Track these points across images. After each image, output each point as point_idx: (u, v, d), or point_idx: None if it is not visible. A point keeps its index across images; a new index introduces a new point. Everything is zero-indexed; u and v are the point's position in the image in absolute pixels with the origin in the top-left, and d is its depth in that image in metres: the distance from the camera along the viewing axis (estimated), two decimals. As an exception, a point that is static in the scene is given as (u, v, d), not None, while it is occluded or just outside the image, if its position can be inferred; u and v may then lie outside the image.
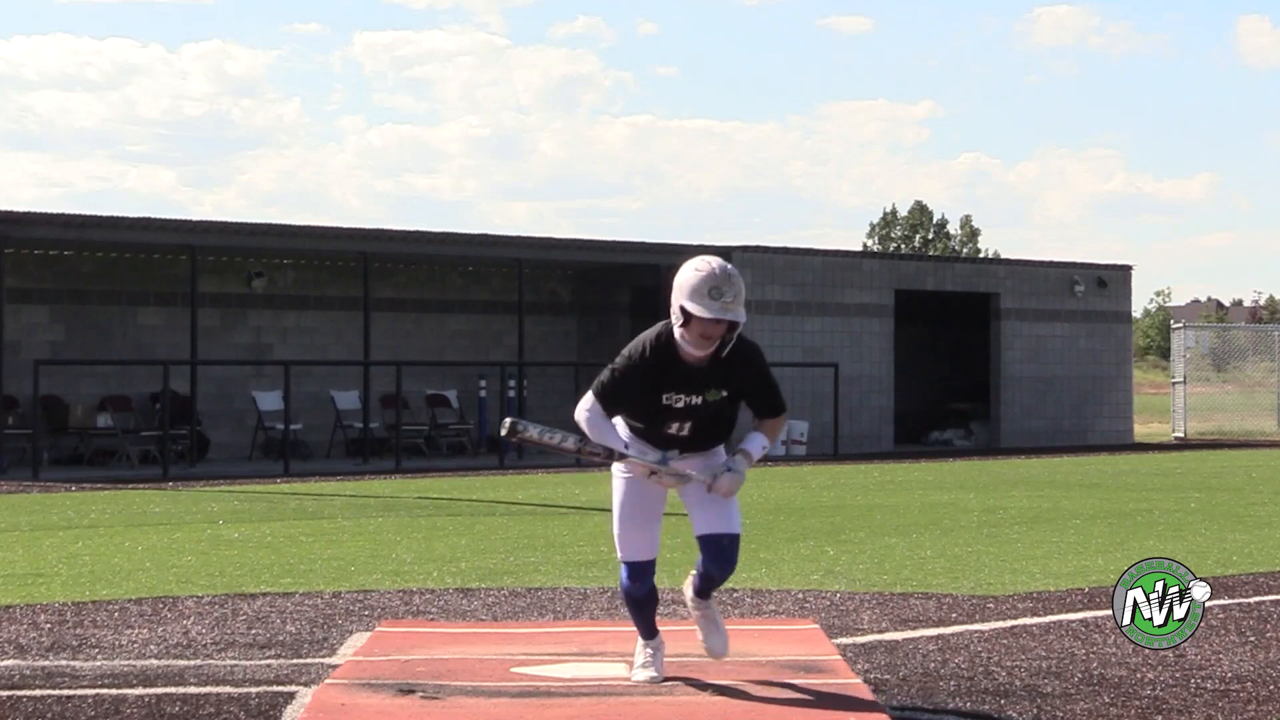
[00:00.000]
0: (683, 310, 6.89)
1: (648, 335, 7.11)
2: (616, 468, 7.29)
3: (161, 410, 24.93)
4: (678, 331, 6.96)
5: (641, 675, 7.27)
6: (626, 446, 7.16)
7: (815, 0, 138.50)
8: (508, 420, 7.12)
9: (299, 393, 27.21)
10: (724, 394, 7.10)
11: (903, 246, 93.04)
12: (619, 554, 7.35)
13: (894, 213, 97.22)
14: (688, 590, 7.47)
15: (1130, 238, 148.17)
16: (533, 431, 7.16)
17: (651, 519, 7.37)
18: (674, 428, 7.15)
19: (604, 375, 7.11)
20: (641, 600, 7.33)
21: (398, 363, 26.81)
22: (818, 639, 8.38)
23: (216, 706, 6.80)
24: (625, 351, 7.12)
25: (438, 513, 16.66)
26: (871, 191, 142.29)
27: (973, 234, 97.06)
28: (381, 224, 62.62)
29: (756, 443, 7.22)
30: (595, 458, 7.19)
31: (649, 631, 7.38)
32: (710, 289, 6.87)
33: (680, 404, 7.09)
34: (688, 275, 6.98)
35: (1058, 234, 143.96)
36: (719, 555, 7.27)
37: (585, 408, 7.06)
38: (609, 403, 7.09)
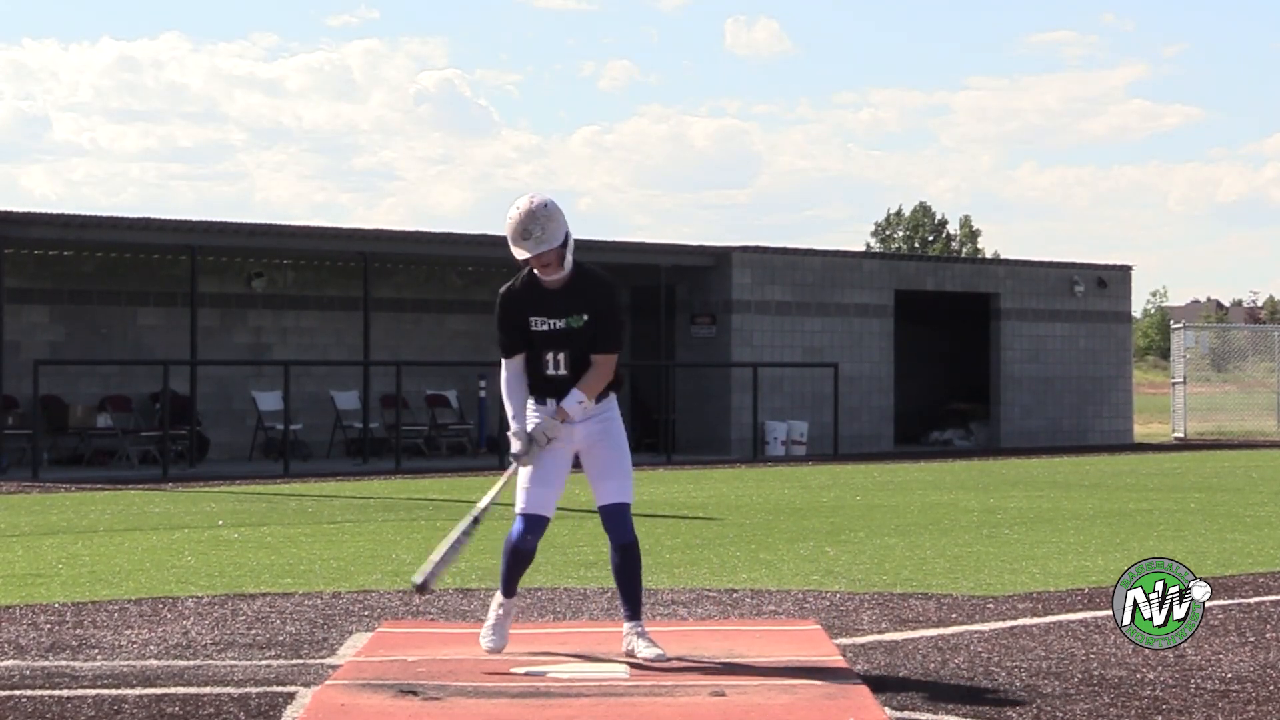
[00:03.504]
0: (520, 260, 7.77)
1: (515, 278, 7.97)
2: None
3: (161, 410, 24.93)
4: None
5: (487, 642, 7.98)
6: (515, 417, 7.85)
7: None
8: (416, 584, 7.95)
9: (299, 393, 27.21)
10: (585, 318, 7.79)
11: (903, 247, 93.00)
12: (518, 507, 7.91)
13: (899, 213, 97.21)
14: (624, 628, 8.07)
15: (1130, 235, 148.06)
16: (439, 569, 7.92)
17: (556, 481, 7.95)
18: (551, 361, 7.80)
19: (495, 324, 7.96)
20: (522, 556, 7.96)
21: (398, 363, 26.81)
22: (819, 639, 8.37)
23: (216, 706, 6.80)
24: (498, 294, 7.97)
25: (437, 513, 16.66)
26: (876, 190, 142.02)
27: (972, 234, 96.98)
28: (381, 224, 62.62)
29: (572, 398, 7.78)
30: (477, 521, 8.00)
31: (511, 589, 8.04)
32: (519, 233, 7.67)
33: (546, 327, 7.80)
34: (506, 224, 7.73)
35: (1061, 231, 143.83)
36: (611, 522, 7.99)
37: (502, 372, 7.91)
38: (507, 343, 7.87)
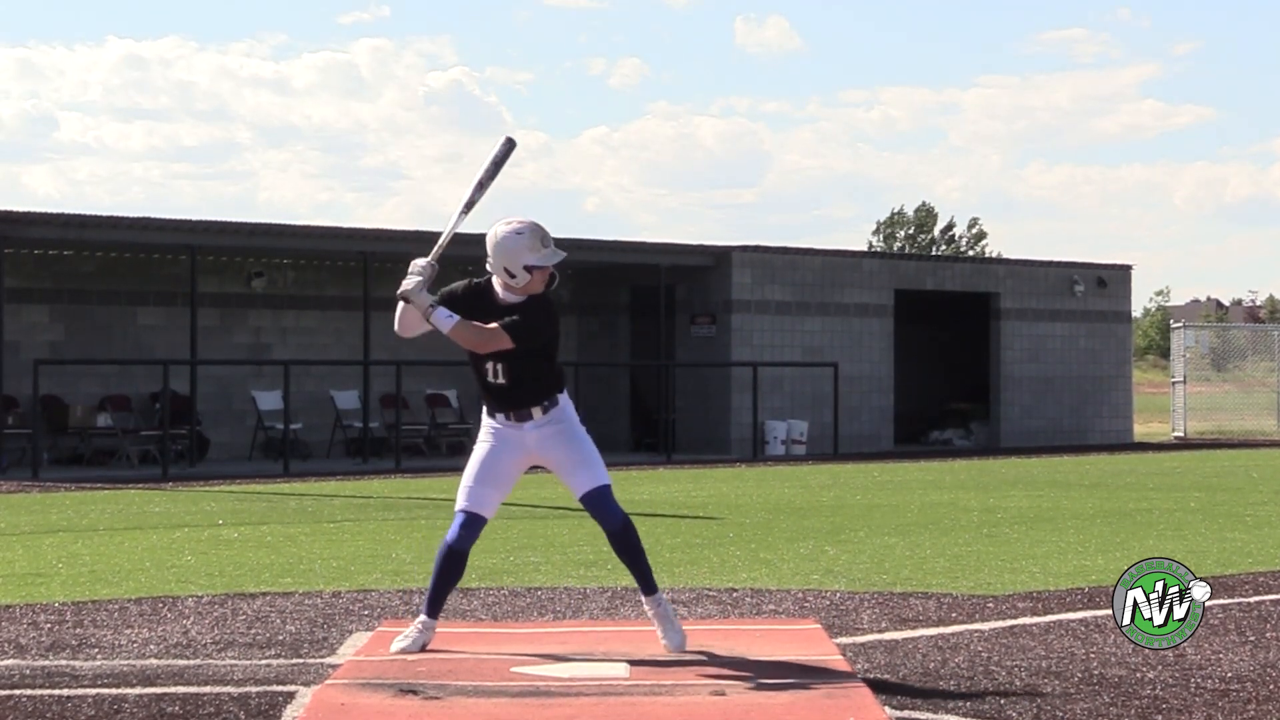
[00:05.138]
0: (527, 269, 7.77)
1: (470, 280, 7.99)
2: (483, 434, 7.98)
3: (161, 410, 24.94)
4: (506, 284, 7.83)
5: (398, 645, 7.90)
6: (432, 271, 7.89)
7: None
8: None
9: (299, 393, 27.22)
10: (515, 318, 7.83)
11: (907, 247, 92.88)
12: (458, 504, 7.92)
13: (901, 213, 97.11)
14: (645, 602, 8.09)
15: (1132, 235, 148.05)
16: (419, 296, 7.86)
17: (501, 483, 7.98)
18: (490, 370, 7.88)
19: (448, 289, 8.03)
20: (455, 561, 7.92)
21: (398, 362, 26.81)
22: (819, 639, 8.38)
23: (216, 706, 6.80)
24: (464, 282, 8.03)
25: (437, 513, 16.66)
26: (885, 189, 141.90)
27: (979, 236, 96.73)
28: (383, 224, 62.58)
29: (443, 313, 7.79)
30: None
31: (436, 607, 7.98)
32: (542, 239, 7.80)
33: None
34: (514, 238, 7.79)
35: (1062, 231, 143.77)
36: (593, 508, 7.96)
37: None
38: (444, 307, 7.84)
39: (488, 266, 7.90)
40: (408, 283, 7.79)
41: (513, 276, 7.81)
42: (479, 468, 7.94)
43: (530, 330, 7.81)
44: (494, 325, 7.76)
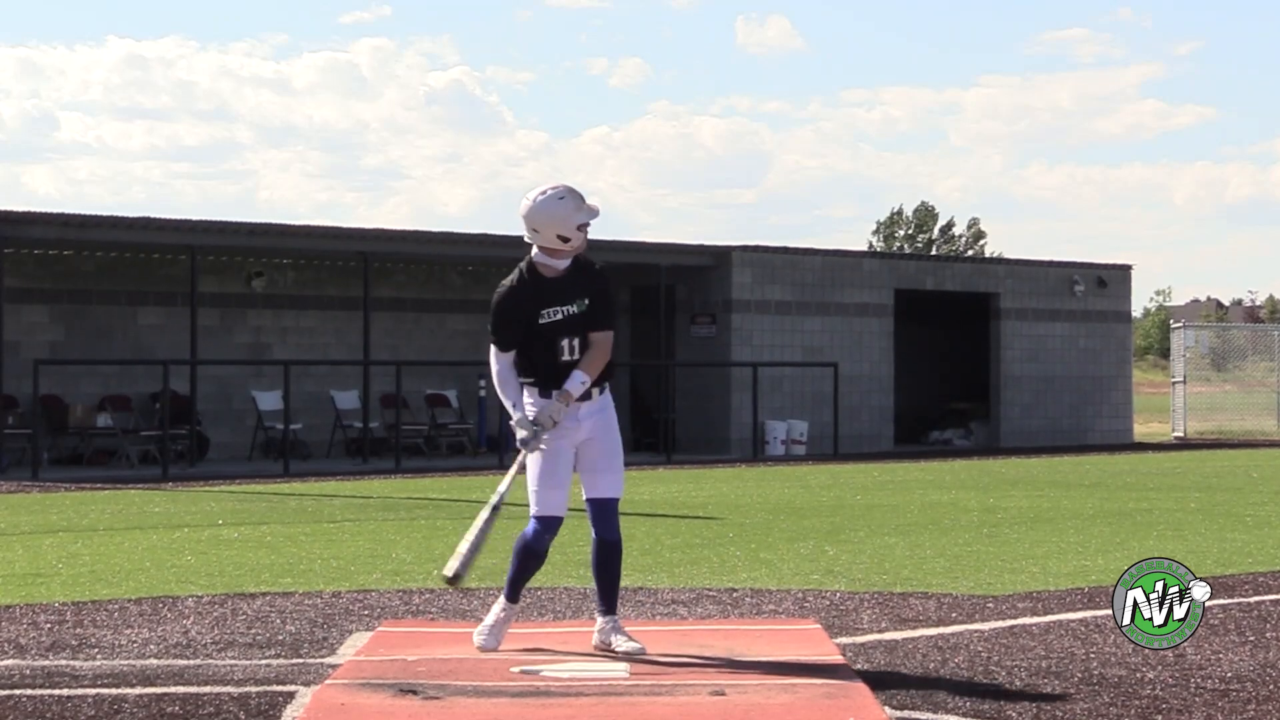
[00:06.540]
0: (579, 228, 7.77)
1: (513, 275, 7.92)
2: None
3: (161, 410, 24.93)
4: (545, 254, 7.82)
5: (481, 639, 7.98)
6: (515, 406, 7.85)
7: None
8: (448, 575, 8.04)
9: (299, 392, 27.21)
10: (586, 302, 7.86)
11: (906, 246, 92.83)
12: (532, 510, 7.91)
13: (900, 213, 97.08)
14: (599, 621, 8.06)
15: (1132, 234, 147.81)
16: (470, 560, 8.01)
17: (564, 479, 7.93)
18: (566, 348, 7.83)
19: (491, 320, 7.93)
20: (537, 557, 8.01)
21: (398, 363, 26.81)
22: (819, 639, 8.38)
23: (216, 706, 6.80)
24: (498, 292, 7.92)
25: (437, 513, 16.67)
26: (886, 189, 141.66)
27: (978, 236, 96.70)
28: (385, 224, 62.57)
29: (575, 380, 7.81)
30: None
31: (516, 594, 8.11)
32: (578, 198, 7.77)
33: (560, 315, 7.82)
34: (559, 202, 7.76)
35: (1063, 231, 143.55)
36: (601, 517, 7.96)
37: (494, 366, 7.88)
38: (508, 339, 7.86)
39: (531, 239, 7.84)
40: (525, 434, 7.77)
41: (566, 240, 7.79)
42: (542, 471, 7.87)
43: (614, 308, 7.98)
44: (599, 336, 7.84)
